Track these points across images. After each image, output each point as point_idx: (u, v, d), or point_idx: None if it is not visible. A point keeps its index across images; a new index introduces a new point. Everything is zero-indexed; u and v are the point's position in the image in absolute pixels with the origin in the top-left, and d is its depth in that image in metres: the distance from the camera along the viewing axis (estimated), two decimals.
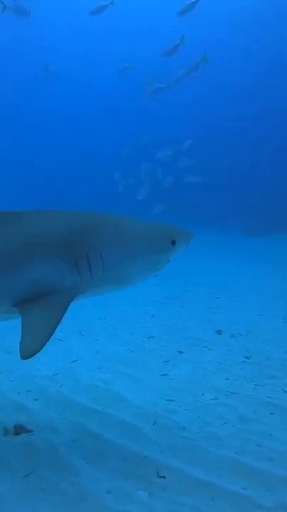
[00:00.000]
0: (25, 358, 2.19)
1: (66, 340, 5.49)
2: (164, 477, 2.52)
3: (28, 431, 3.18)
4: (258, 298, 7.44)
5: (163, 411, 3.41)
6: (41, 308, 2.40)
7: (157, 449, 2.84)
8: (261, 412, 3.27)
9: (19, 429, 3.19)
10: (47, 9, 28.91)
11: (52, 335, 2.29)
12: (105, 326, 6.06)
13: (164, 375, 4.20)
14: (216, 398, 3.57)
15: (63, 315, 2.38)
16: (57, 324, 2.34)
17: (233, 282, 8.80)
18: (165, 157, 14.62)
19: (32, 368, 4.54)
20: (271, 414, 3.24)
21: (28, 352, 2.20)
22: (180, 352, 4.83)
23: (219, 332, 5.51)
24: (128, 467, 2.66)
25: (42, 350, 4.95)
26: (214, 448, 2.80)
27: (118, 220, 2.80)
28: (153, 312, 6.68)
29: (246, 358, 4.56)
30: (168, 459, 2.71)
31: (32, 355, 2.20)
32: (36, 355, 2.20)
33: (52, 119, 35.00)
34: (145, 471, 2.60)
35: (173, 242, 2.72)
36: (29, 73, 29.92)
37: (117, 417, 3.34)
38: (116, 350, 4.99)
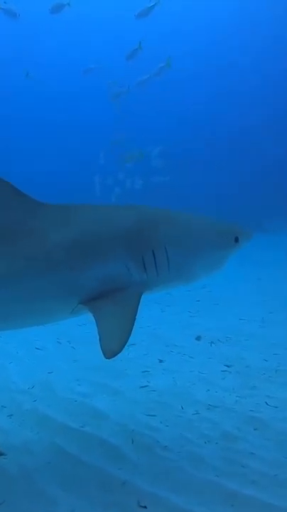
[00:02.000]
0: (109, 358, 2.18)
1: (44, 348, 5.26)
2: (145, 507, 2.33)
3: (1, 454, 2.95)
4: (237, 301, 7.34)
5: (143, 428, 3.23)
6: (113, 307, 2.32)
7: (137, 473, 2.65)
8: (244, 427, 3.12)
9: None
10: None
11: (130, 333, 2.22)
12: (84, 332, 5.83)
13: (144, 386, 4.02)
14: (198, 412, 3.41)
15: (136, 313, 2.29)
16: (133, 322, 2.25)
17: (212, 284, 8.67)
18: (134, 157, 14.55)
19: (7, 380, 4.31)
20: (255, 429, 3.09)
21: (110, 353, 2.18)
22: (160, 361, 4.66)
23: (198, 338, 5.36)
24: (107, 495, 2.46)
25: (17, 361, 4.70)
26: (196, 471, 2.63)
27: (184, 215, 2.73)
28: None
29: (227, 366, 4.41)
30: (149, 484, 2.52)
31: (114, 356, 2.18)
32: (117, 354, 2.18)
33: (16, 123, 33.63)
34: (125, 499, 2.41)
35: (237, 239, 2.69)
36: None
37: (95, 436, 3.14)
38: (95, 360, 4.76)
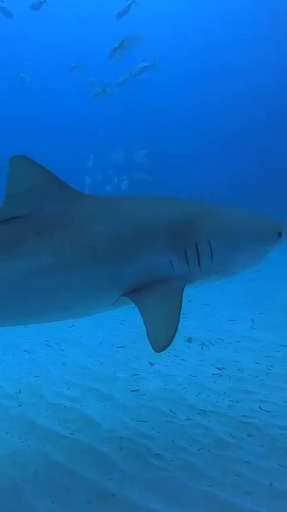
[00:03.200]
0: (158, 352, 2.13)
1: (32, 351, 5.10)
2: None
3: None
4: (228, 301, 7.26)
5: (134, 435, 3.11)
6: (157, 300, 2.26)
7: (128, 484, 2.53)
8: (237, 434, 3.02)
9: None
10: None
11: (177, 327, 2.15)
12: (73, 334, 5.71)
13: (135, 390, 3.90)
14: (190, 418, 3.30)
15: (181, 306, 2.23)
16: (179, 316, 2.20)
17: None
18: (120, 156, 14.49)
19: None
20: (249, 436, 3.00)
21: (159, 347, 2.12)
22: (151, 364, 4.54)
23: (189, 340, 5.26)
24: (97, 508, 2.34)
25: (4, 364, 4.54)
26: (190, 480, 2.52)
27: (226, 209, 2.67)
28: (123, 318, 6.37)
29: (218, 369, 4.32)
30: (140, 496, 2.41)
31: (163, 349, 2.12)
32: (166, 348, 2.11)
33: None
34: None
35: (280, 234, 2.62)
36: None
37: (85, 444, 3.01)
38: (84, 363, 4.66)
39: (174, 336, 2.12)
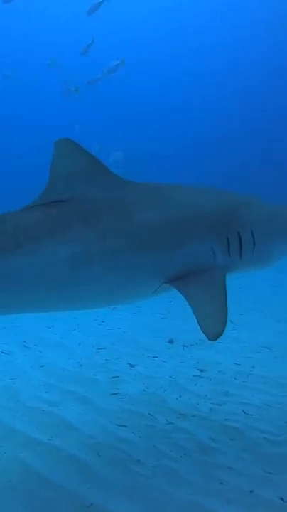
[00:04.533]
0: (213, 340, 2.19)
1: (9, 352, 4.92)
2: None
3: None
4: None
5: (114, 440, 2.99)
6: (203, 288, 2.27)
7: (108, 492, 2.41)
8: (220, 438, 2.93)
9: None
10: None
11: (227, 313, 2.19)
12: (52, 335, 5.55)
13: (115, 393, 3.77)
14: (171, 422, 3.20)
15: (226, 294, 2.25)
16: (226, 302, 2.22)
17: None
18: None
19: None
20: (231, 440, 2.91)
21: (213, 335, 2.18)
22: (131, 366, 4.43)
23: (171, 341, 5.17)
24: None
25: None
26: (173, 488, 2.41)
27: (263, 200, 2.70)
28: (103, 318, 6.24)
29: (200, 371, 4.23)
30: (120, 505, 2.29)
31: (218, 337, 2.18)
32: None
33: None
34: None
35: None
36: None
37: (63, 451, 2.87)
38: (64, 364, 4.50)
39: (225, 324, 2.15)
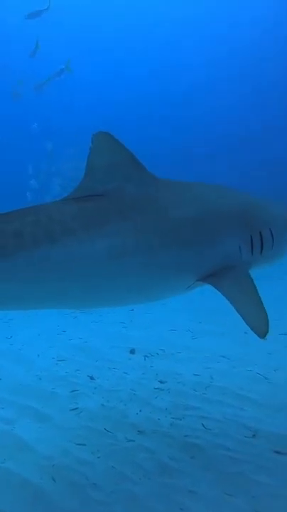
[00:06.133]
0: (263, 338, 2.18)
1: None
2: None
3: None
4: (170, 308, 7.10)
5: (72, 461, 2.78)
6: (235, 285, 2.28)
7: None
8: (181, 456, 2.79)
9: None
10: None
11: (264, 308, 2.19)
12: (10, 346, 5.24)
13: (74, 409, 3.56)
14: (131, 439, 3.03)
15: (257, 289, 2.26)
16: (260, 298, 2.22)
17: None
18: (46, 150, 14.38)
19: None
20: (192, 458, 2.77)
21: (261, 333, 2.17)
22: (91, 378, 4.22)
23: (132, 351, 5.00)
24: None
25: None
26: None
27: (270, 200, 2.81)
28: (64, 328, 5.98)
29: (161, 382, 4.09)
30: None
31: (266, 333, 2.17)
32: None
33: None
34: None
35: None
36: None
37: (17, 475, 2.63)
38: (22, 378, 4.23)
39: (267, 318, 2.15)
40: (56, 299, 2.21)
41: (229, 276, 2.29)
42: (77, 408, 3.57)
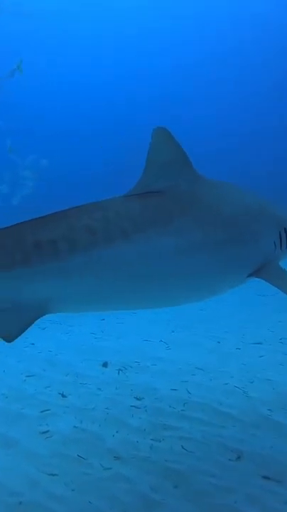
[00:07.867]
0: None
1: None
2: None
3: None
4: (141, 318, 6.81)
5: (42, 496, 2.43)
6: (281, 275, 2.36)
7: None
8: (163, 485, 2.49)
9: None
10: None
11: None
12: None
13: (45, 432, 3.19)
14: (108, 467, 2.70)
15: None
16: None
17: None
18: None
19: None
20: (175, 487, 2.48)
21: None
22: (63, 395, 3.85)
23: (105, 364, 4.67)
24: None
25: None
26: None
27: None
28: (33, 340, 5.55)
29: (137, 399, 3.78)
30: None
31: None
32: None
33: None
34: None
35: None
36: None
37: None
38: None
39: None
40: (123, 299, 2.13)
41: (276, 272, 2.37)
42: (47, 431, 3.20)
